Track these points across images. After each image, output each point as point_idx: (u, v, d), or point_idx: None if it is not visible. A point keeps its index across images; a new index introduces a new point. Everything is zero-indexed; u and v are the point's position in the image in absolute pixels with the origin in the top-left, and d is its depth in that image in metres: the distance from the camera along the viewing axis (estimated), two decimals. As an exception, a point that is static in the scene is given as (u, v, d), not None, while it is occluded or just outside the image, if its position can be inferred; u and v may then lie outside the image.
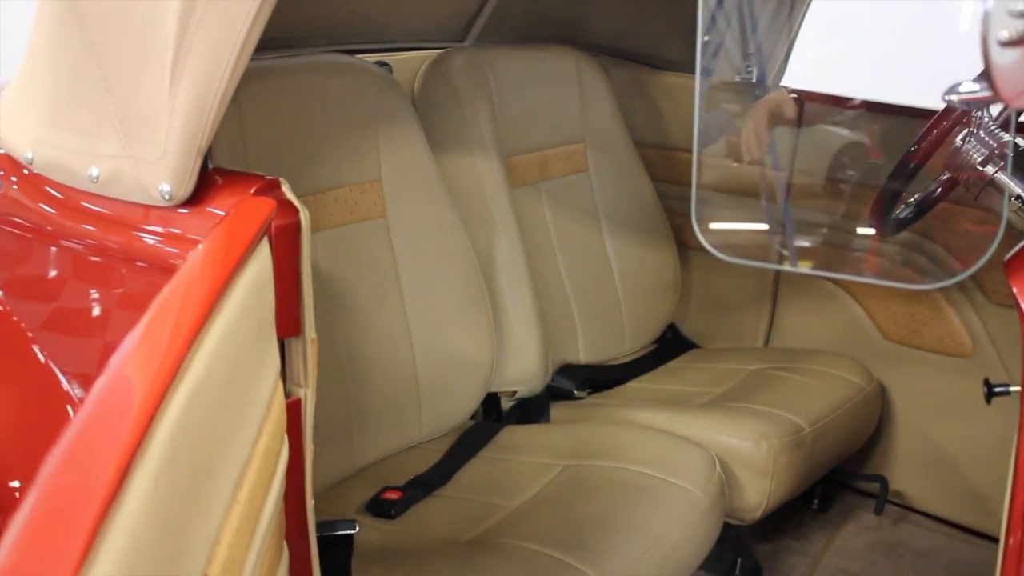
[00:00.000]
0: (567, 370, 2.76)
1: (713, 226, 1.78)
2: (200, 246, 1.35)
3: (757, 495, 2.34)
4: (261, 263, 1.42)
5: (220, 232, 1.40)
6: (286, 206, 1.52)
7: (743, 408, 2.48)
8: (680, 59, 3.12)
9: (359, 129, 2.30)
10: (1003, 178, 2.23)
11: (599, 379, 2.79)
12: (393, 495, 2.16)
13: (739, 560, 2.50)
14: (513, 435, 2.44)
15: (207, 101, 1.46)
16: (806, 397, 2.57)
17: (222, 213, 1.51)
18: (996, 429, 2.69)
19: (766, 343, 3.10)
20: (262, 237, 1.43)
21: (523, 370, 2.59)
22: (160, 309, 1.21)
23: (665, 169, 3.09)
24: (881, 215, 2.36)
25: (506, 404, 2.64)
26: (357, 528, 1.90)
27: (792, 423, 2.42)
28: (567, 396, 2.70)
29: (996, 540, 2.72)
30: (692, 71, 3.07)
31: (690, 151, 3.03)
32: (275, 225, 1.48)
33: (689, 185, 3.08)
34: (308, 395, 1.60)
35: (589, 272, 2.89)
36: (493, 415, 2.61)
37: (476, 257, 2.48)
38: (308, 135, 2.22)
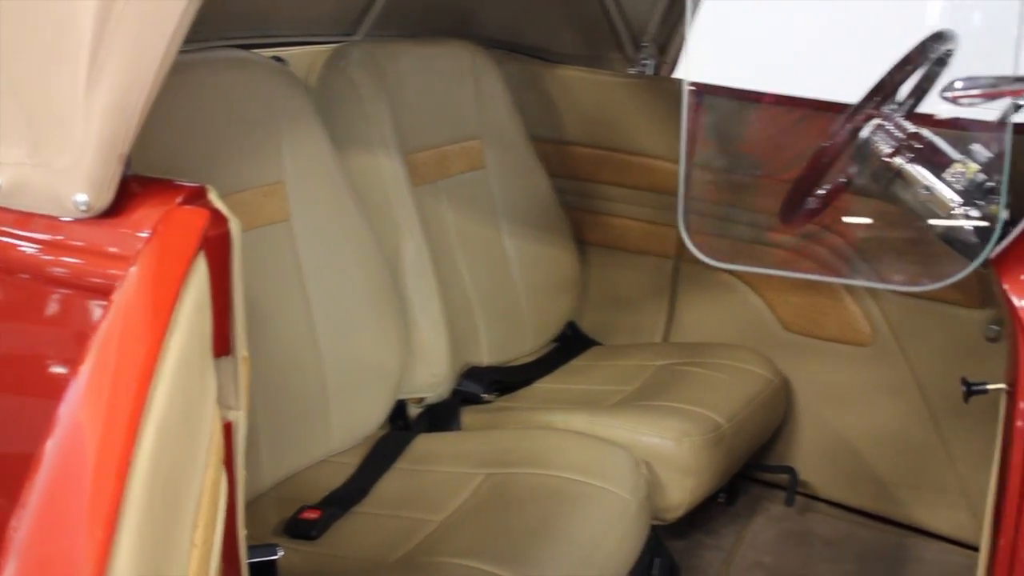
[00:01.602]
0: (472, 373, 2.69)
1: (702, 234, 1.72)
2: (133, 268, 1.24)
3: (680, 494, 2.32)
4: (200, 280, 1.31)
5: (154, 249, 1.29)
6: (215, 215, 1.41)
7: (659, 406, 2.45)
8: (574, 52, 3.08)
9: (261, 128, 2.18)
10: (912, 169, 2.25)
11: (506, 381, 2.72)
12: (312, 515, 2.06)
13: (656, 560, 2.46)
14: (428, 444, 2.36)
15: (130, 102, 1.34)
16: (718, 392, 2.56)
17: (148, 225, 1.39)
18: (897, 416, 2.73)
19: (665, 338, 3.09)
20: (199, 252, 1.32)
21: (432, 375, 2.51)
22: (104, 346, 1.09)
23: (561, 164, 3.04)
24: (792, 207, 2.35)
25: (413, 411, 2.55)
26: (280, 553, 1.79)
27: (710, 420, 2.40)
28: (474, 400, 2.63)
29: (899, 524, 2.78)
30: (586, 64, 3.05)
31: (588, 146, 3.01)
32: (207, 236, 1.37)
33: (586, 180, 3.05)
34: (240, 418, 1.49)
35: (489, 271, 2.82)
36: (400, 423, 2.51)
37: (383, 260, 2.39)
38: (208, 135, 2.08)
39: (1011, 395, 1.27)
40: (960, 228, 1.57)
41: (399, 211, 2.49)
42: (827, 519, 2.79)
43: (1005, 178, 1.18)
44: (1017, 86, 1.15)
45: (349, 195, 2.32)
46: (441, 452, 2.31)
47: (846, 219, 2.58)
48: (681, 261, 3.03)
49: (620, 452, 2.21)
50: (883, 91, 2.19)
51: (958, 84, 1.17)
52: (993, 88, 1.16)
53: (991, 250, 1.22)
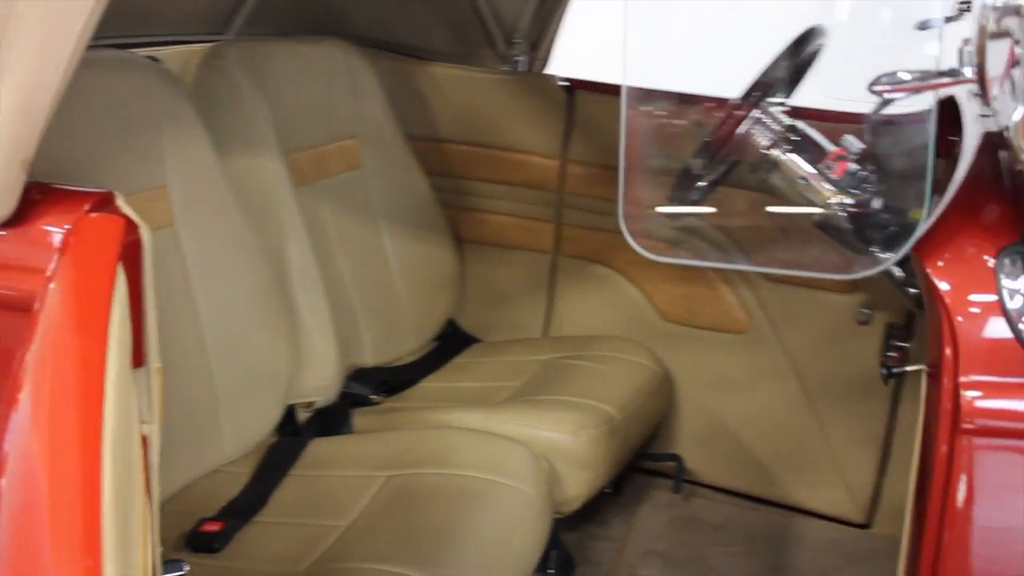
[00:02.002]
0: (358, 374, 2.65)
1: (643, 230, 1.73)
2: (53, 284, 1.18)
3: (577, 487, 2.34)
4: (121, 291, 1.26)
5: (73, 262, 1.23)
6: (128, 222, 1.36)
7: (552, 401, 2.47)
8: (445, 49, 3.06)
9: (143, 131, 2.10)
10: (789, 160, 2.32)
11: (392, 381, 2.69)
12: (213, 527, 2.00)
13: (553, 553, 2.47)
14: (322, 449, 2.32)
15: (34, 105, 1.28)
16: (607, 384, 2.58)
17: (59, 235, 1.32)
18: (774, 400, 2.82)
19: (545, 332, 3.10)
20: (119, 262, 1.27)
21: (321, 378, 2.47)
22: (41, 371, 1.04)
23: (437, 162, 3.02)
24: (679, 200, 2.39)
25: (302, 416, 2.50)
26: (186, 568, 1.73)
27: (603, 411, 2.43)
28: (363, 402, 2.60)
29: (781, 506, 2.87)
30: (458, 61, 3.03)
31: (463, 143, 3.00)
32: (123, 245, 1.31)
33: (462, 177, 3.04)
34: (155, 431, 1.44)
35: (370, 271, 2.79)
36: (289, 429, 2.46)
37: (269, 264, 2.33)
38: (89, 138, 2.00)
39: (932, 376, 1.31)
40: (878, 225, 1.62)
41: (283, 213, 2.43)
42: (712, 504, 2.86)
43: (930, 166, 1.22)
44: (941, 80, 1.19)
45: (233, 198, 2.25)
46: (337, 456, 2.27)
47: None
48: (558, 256, 3.05)
49: (520, 448, 2.21)
50: (762, 86, 2.25)
51: (885, 79, 1.21)
52: (920, 82, 1.20)
53: (917, 237, 1.26)
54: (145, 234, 1.39)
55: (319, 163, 2.68)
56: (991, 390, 1.23)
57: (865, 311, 2.72)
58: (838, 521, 2.80)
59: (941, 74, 1.19)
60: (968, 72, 1.17)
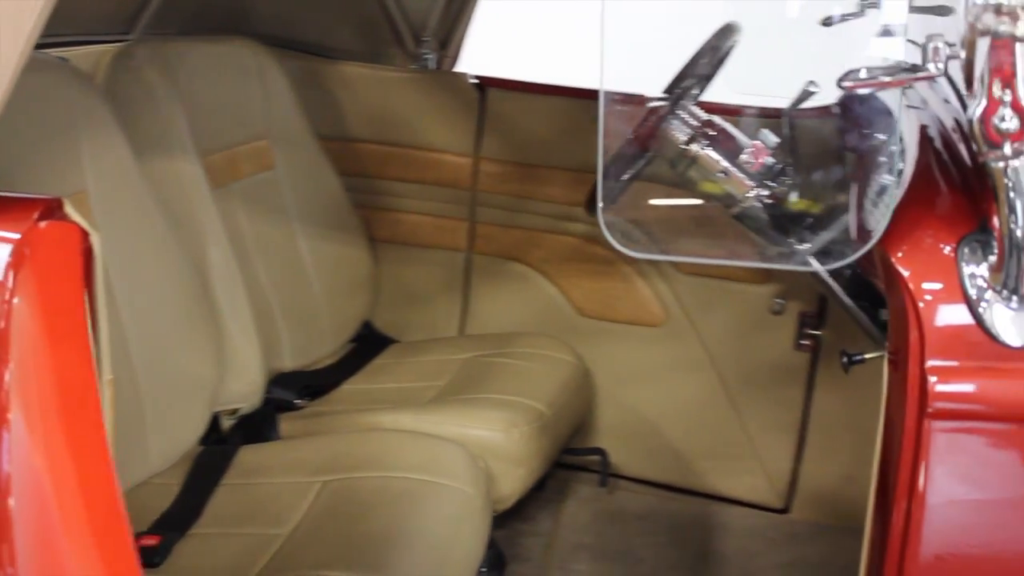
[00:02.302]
0: (280, 379, 2.61)
1: (618, 225, 1.73)
2: (17, 299, 1.13)
3: (511, 484, 2.34)
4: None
5: (36, 275, 1.18)
6: (82, 230, 1.31)
7: (481, 399, 2.46)
8: (353, 48, 3.03)
9: (60, 135, 2.02)
10: (708, 155, 2.35)
11: (315, 385, 2.66)
12: (150, 541, 1.94)
13: (485, 551, 2.47)
14: (253, 456, 2.27)
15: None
16: (532, 381, 2.59)
17: (8, 247, 1.26)
18: (692, 391, 2.86)
19: (461, 331, 3.10)
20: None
21: (246, 384, 2.42)
22: (26, 391, 1.00)
23: (348, 162, 2.99)
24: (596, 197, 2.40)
25: (227, 423, 2.45)
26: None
27: (533, 408, 2.43)
28: (287, 407, 2.55)
29: (702, 495, 2.91)
30: (367, 60, 3.00)
31: (374, 142, 2.97)
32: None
33: (374, 177, 3.02)
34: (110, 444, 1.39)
35: (286, 274, 2.74)
36: (214, 437, 2.41)
37: (191, 269, 2.28)
38: (4, 143, 1.92)
39: (894, 362, 1.35)
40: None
41: (202, 217, 2.38)
42: (636, 496, 2.89)
43: (896, 158, 1.25)
44: (907, 75, 1.22)
45: (153, 202, 2.19)
46: (269, 463, 2.23)
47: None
48: (472, 254, 3.05)
49: (453, 447, 2.20)
50: (683, 82, 2.28)
51: (855, 74, 1.23)
52: (889, 78, 1.23)
53: (883, 228, 1.29)
54: (95, 241, 1.34)
55: (232, 165, 2.62)
56: (956, 374, 1.26)
57: (779, 301, 2.78)
58: (758, 507, 2.86)
59: (906, 69, 1.22)
60: (932, 67, 1.20)
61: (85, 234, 1.32)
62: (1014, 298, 1.26)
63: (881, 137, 2.25)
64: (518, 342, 2.83)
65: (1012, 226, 1.22)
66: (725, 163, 2.33)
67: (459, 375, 2.68)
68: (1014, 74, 1.17)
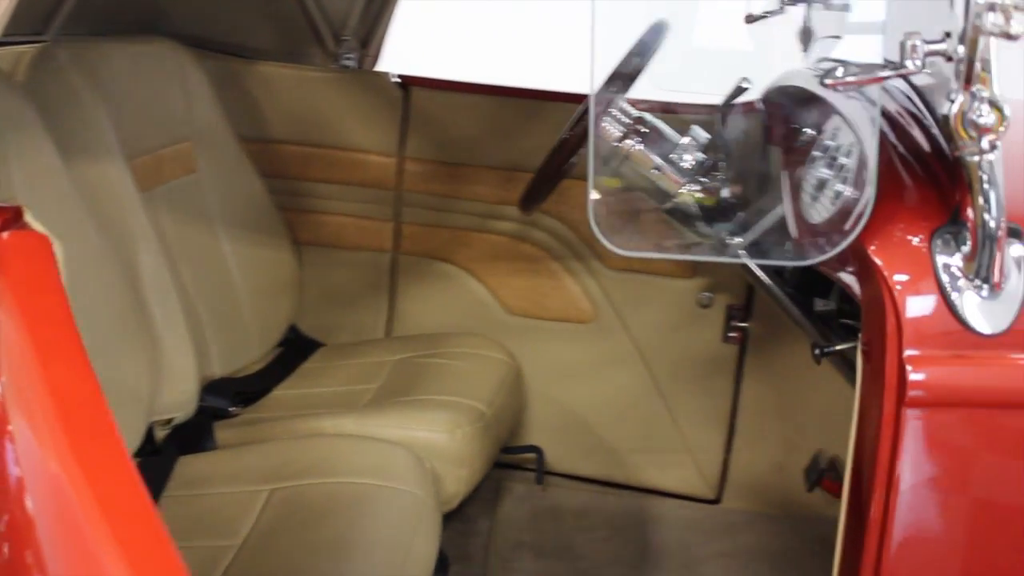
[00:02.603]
0: (211, 387, 2.55)
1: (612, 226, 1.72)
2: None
3: (456, 485, 2.32)
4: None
5: (13, 287, 1.14)
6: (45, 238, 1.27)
7: (421, 400, 2.44)
8: (272, 48, 2.98)
9: (-13, 141, 1.95)
10: (641, 151, 2.37)
11: (248, 391, 2.61)
12: (96, 558, 1.88)
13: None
14: (193, 466, 2.22)
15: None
16: (469, 380, 2.58)
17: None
18: (623, 386, 2.88)
19: (388, 332, 3.07)
20: (56, 279, 1.19)
21: (181, 393, 2.36)
22: (27, 399, 0.97)
23: (271, 164, 2.93)
24: (537, 196, 2.40)
25: (160, 433, 2.38)
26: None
27: (474, 408, 2.42)
28: (221, 415, 2.50)
29: (636, 489, 2.93)
30: (286, 60, 2.96)
31: (296, 143, 2.93)
32: (50, 263, 1.23)
33: (296, 179, 2.98)
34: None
35: (212, 279, 2.68)
36: (148, 448, 2.34)
37: (124, 277, 2.21)
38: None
39: (869, 353, 1.37)
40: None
41: (132, 223, 2.31)
42: (570, 492, 2.90)
43: (873, 156, 1.27)
44: (885, 72, 1.25)
45: (84, 209, 2.12)
46: (211, 473, 2.17)
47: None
48: (398, 254, 3.02)
49: (398, 450, 2.19)
50: (617, 80, 2.29)
51: (838, 72, 1.25)
52: (869, 74, 1.25)
53: (864, 222, 1.32)
54: (58, 250, 1.30)
55: (157, 169, 2.55)
56: (932, 363, 1.30)
57: (707, 294, 2.82)
58: (690, 499, 2.90)
59: (885, 66, 1.24)
60: (911, 64, 1.23)
61: (47, 242, 1.28)
62: (985, 287, 1.30)
63: (811, 132, 2.30)
64: (450, 342, 2.82)
65: (986, 216, 1.26)
66: (658, 160, 2.36)
67: (393, 377, 2.66)
68: (988, 71, 1.20)
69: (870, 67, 1.26)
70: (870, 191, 1.27)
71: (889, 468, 1.33)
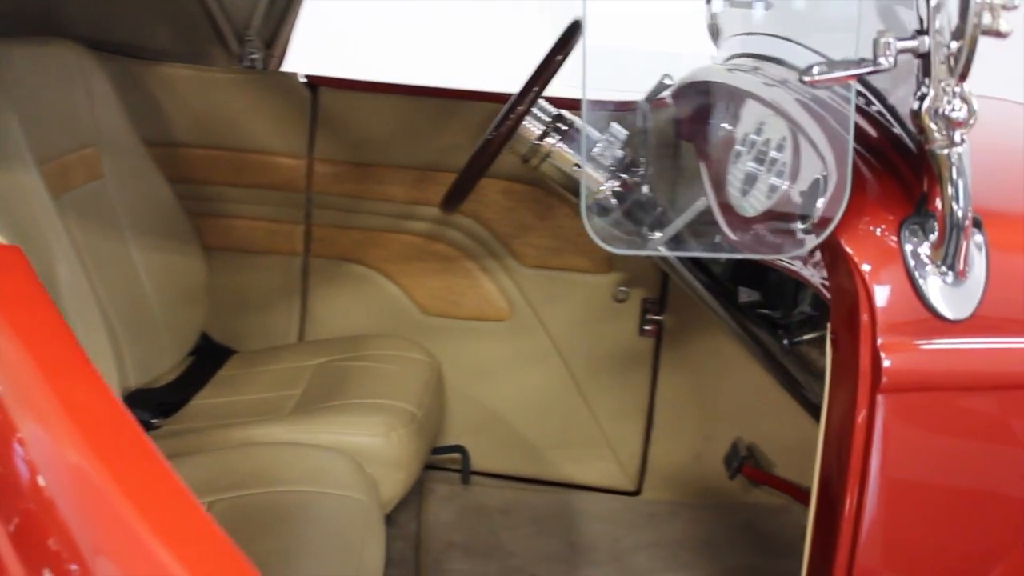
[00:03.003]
0: (129, 398, 2.48)
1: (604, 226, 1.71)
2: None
3: (393, 488, 2.31)
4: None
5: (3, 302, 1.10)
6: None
7: (350, 404, 2.42)
8: (173, 49, 2.90)
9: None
10: (561, 149, 2.40)
11: (168, 402, 2.54)
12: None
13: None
14: (124, 482, 2.14)
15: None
16: (395, 383, 2.56)
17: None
18: (542, 383, 2.90)
19: (301, 337, 3.02)
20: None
21: None
22: (36, 406, 0.95)
23: (177, 168, 2.86)
24: (460, 196, 2.39)
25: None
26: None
27: (406, 410, 2.40)
28: (144, 427, 2.42)
29: (558, 484, 2.95)
30: (189, 61, 2.89)
31: (203, 147, 2.87)
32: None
33: (203, 183, 2.92)
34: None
35: (123, 288, 2.60)
36: (69, 465, 2.26)
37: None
38: None
39: (838, 341, 1.41)
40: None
41: (47, 231, 2.22)
42: (494, 490, 2.90)
43: (850, 152, 1.30)
44: (861, 68, 1.28)
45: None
46: (144, 488, 2.11)
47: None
48: (310, 257, 2.98)
49: (340, 456, 2.16)
50: (539, 80, 2.29)
51: (815, 69, 1.28)
52: (846, 71, 1.28)
53: (840, 216, 1.35)
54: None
55: (63, 175, 2.46)
56: (905, 349, 1.34)
57: (623, 289, 2.86)
58: (611, 492, 2.93)
59: (860, 63, 1.28)
60: (884, 61, 1.26)
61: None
62: (951, 274, 1.35)
63: (728, 126, 2.35)
64: (368, 344, 2.79)
65: (954, 206, 1.31)
66: (578, 157, 2.38)
67: (315, 382, 2.62)
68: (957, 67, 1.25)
69: (844, 64, 1.29)
70: (846, 184, 1.30)
71: (864, 454, 1.36)
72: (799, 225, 1.42)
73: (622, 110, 2.68)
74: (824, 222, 1.35)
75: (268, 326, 3.01)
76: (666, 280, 2.86)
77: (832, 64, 1.28)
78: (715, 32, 2.86)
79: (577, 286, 2.88)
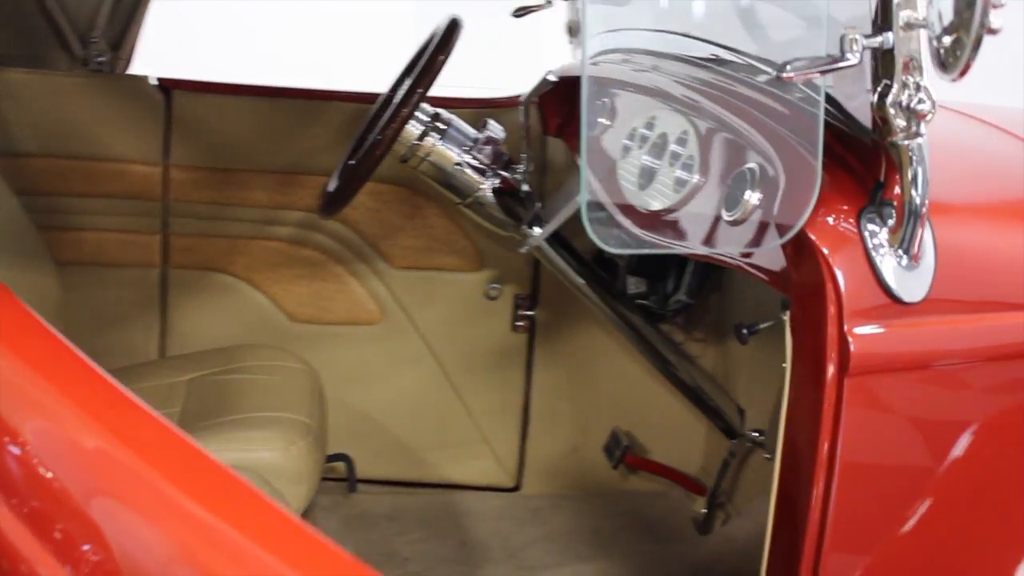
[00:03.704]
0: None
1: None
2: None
3: (296, 503, 2.25)
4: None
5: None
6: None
7: (243, 419, 2.33)
8: (10, 52, 2.73)
9: None
10: (442, 149, 2.39)
11: (38, 430, 2.38)
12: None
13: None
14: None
15: None
16: (283, 394, 2.48)
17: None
18: (417, 385, 2.88)
19: (162, 352, 2.89)
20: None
21: None
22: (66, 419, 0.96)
23: (24, 180, 2.68)
24: (342, 200, 2.34)
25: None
26: None
27: (299, 422, 2.34)
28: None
29: (440, 486, 2.93)
30: (28, 65, 2.72)
31: (48, 156, 2.73)
32: None
33: (50, 194, 2.77)
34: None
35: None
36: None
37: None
38: None
39: (798, 329, 1.45)
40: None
41: None
42: (377, 497, 2.86)
43: (819, 148, 1.33)
44: (836, 64, 1.32)
45: None
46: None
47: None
48: (169, 268, 2.85)
49: (246, 473, 2.07)
50: (423, 81, 2.26)
51: (797, 64, 1.31)
52: (825, 66, 1.32)
53: (811, 209, 1.38)
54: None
55: None
56: (869, 334, 1.40)
57: (495, 286, 2.86)
58: (492, 489, 2.94)
59: (832, 59, 1.32)
60: (852, 57, 1.31)
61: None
62: (905, 259, 1.42)
63: (605, 122, 2.38)
64: (241, 356, 2.69)
65: (913, 193, 1.37)
66: (459, 156, 2.38)
67: (193, 399, 2.51)
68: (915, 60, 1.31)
69: (815, 60, 1.33)
70: (816, 176, 1.34)
71: (832, 438, 1.41)
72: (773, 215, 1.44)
73: (503, 106, 2.70)
74: (795, 214, 1.38)
75: (126, 343, 2.87)
76: (537, 276, 2.88)
77: (806, 61, 1.32)
78: (574, 29, 2.90)
79: (448, 285, 2.87)
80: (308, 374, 2.66)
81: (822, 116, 1.36)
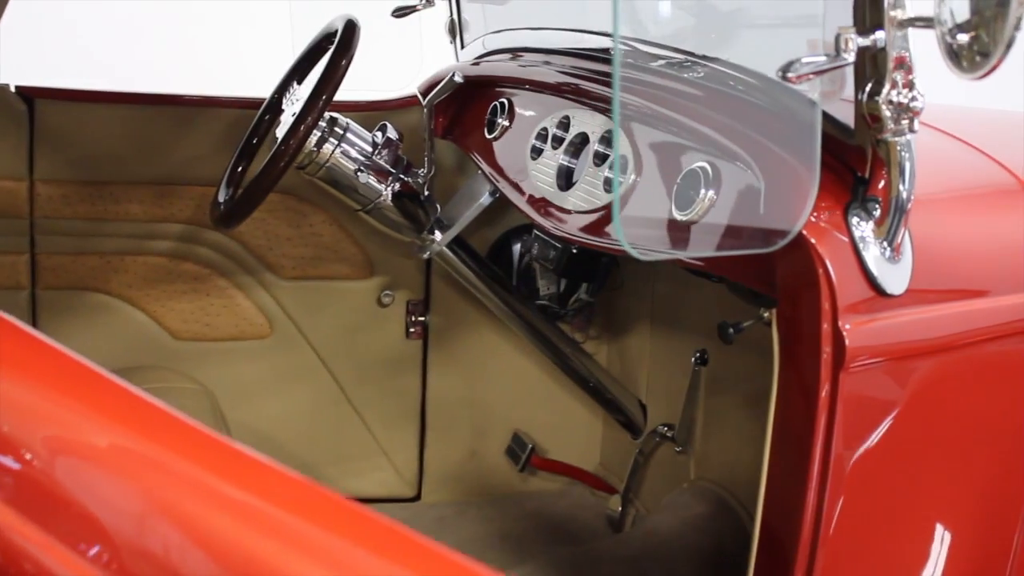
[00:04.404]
0: None
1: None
2: None
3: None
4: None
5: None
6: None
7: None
8: None
9: None
10: (341, 155, 2.32)
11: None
12: None
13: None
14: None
15: None
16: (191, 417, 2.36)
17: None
18: (309, 398, 2.80)
19: (36, 379, 2.70)
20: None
21: None
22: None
23: None
24: (247, 210, 2.24)
25: None
26: None
27: (217, 445, 2.23)
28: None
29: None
30: None
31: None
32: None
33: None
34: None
35: None
36: None
37: None
38: None
39: (787, 327, 1.46)
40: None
41: None
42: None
43: (817, 148, 1.34)
44: (836, 63, 1.32)
45: None
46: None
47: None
48: (37, 290, 2.66)
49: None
50: (327, 87, 2.17)
51: (797, 66, 1.30)
52: (826, 67, 1.32)
53: (808, 213, 1.38)
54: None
55: None
56: (861, 327, 1.42)
57: (387, 293, 2.80)
58: (392, 501, 2.87)
59: (828, 57, 1.33)
60: (847, 57, 1.32)
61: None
62: (888, 252, 1.45)
63: (506, 123, 2.36)
64: (131, 379, 2.54)
65: (900, 188, 1.40)
66: (360, 161, 2.31)
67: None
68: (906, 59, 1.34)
69: (814, 61, 1.34)
70: (815, 175, 1.35)
71: (827, 431, 1.43)
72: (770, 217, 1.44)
73: (394, 108, 2.64)
74: (794, 215, 1.39)
75: (-7, 372, 2.66)
76: (429, 281, 2.83)
77: (803, 62, 1.32)
78: (455, 30, 2.86)
79: (339, 294, 2.79)
80: (205, 394, 2.55)
81: (820, 117, 1.37)
